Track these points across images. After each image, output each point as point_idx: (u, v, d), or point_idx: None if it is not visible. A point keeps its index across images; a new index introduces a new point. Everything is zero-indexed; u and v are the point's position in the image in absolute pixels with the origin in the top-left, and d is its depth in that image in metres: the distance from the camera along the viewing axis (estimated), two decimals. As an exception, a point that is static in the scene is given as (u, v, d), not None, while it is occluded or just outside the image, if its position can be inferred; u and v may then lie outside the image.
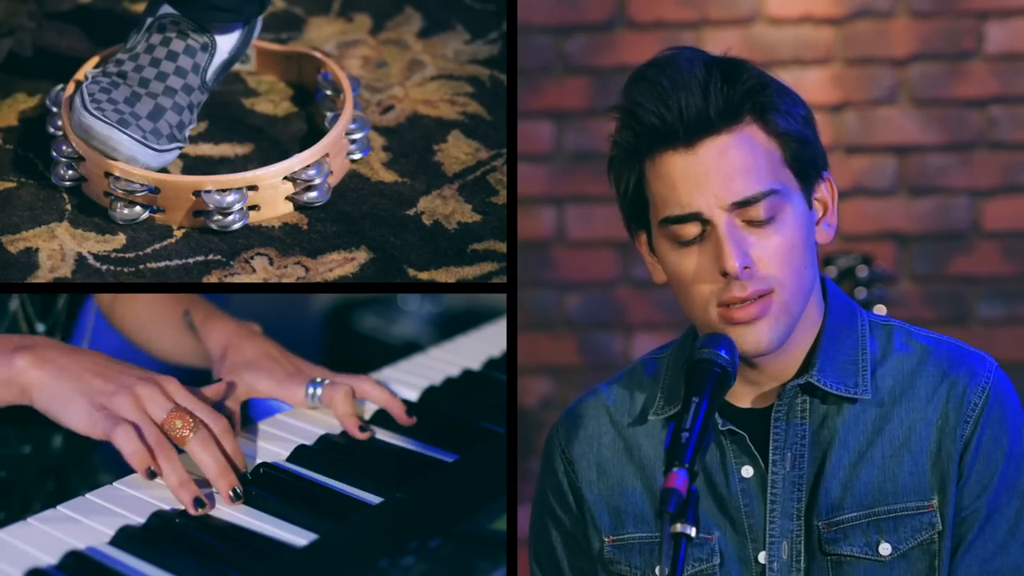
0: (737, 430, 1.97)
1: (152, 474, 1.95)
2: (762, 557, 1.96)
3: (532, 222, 4.04)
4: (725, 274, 1.89)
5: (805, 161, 1.94)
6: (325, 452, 2.17)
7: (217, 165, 2.56)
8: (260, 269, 2.39)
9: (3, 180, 2.51)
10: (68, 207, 2.46)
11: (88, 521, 1.92)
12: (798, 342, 1.98)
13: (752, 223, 1.90)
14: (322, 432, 2.24)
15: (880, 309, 3.44)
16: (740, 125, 1.91)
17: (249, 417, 2.33)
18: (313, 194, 2.47)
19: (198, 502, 1.95)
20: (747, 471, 1.98)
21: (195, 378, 2.22)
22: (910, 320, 3.92)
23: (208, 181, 2.41)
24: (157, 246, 2.41)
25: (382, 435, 2.27)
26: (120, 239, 2.41)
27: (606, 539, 2.04)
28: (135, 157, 2.39)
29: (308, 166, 2.46)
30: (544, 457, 2.12)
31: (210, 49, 2.49)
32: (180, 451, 2.00)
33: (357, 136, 2.57)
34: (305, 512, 1.96)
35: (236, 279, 2.38)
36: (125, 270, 2.37)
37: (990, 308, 3.97)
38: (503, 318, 2.77)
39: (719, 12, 4.01)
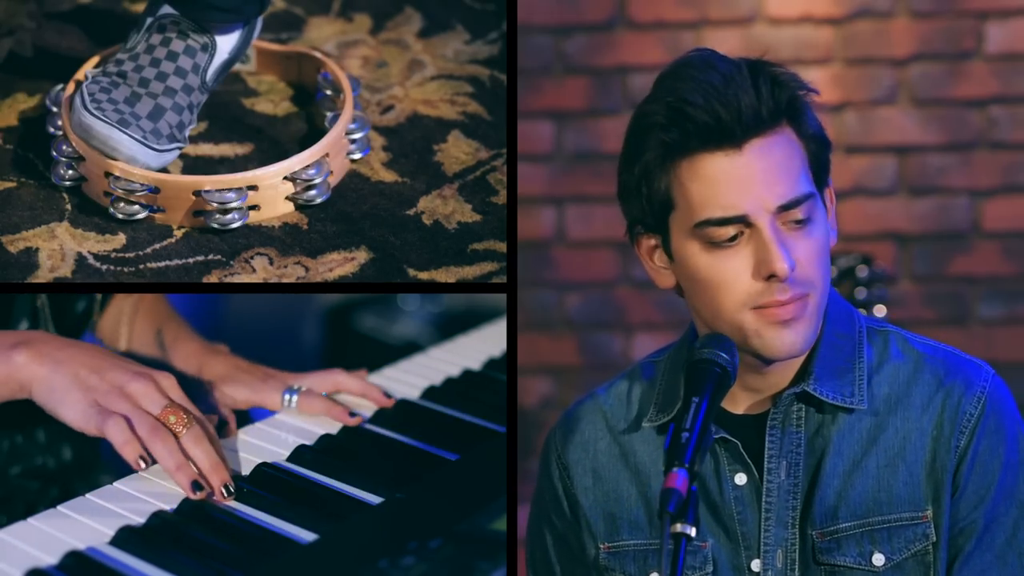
0: (730, 438, 1.96)
1: (144, 462, 1.95)
2: (755, 565, 1.95)
3: (532, 222, 4.04)
4: (770, 277, 1.87)
5: (823, 163, 1.94)
6: (325, 452, 2.17)
7: (217, 165, 2.56)
8: (260, 269, 2.39)
9: (3, 180, 2.51)
10: (68, 207, 2.46)
11: (88, 521, 1.92)
12: None
13: (791, 225, 1.89)
14: (322, 432, 2.24)
15: (880, 309, 3.43)
16: (779, 127, 1.89)
17: (249, 417, 2.34)
18: (313, 193, 2.47)
19: (196, 485, 1.95)
20: (740, 479, 1.97)
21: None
22: (910, 320, 3.93)
23: (208, 181, 2.41)
24: (157, 246, 2.41)
25: (382, 436, 2.27)
26: (120, 239, 2.41)
27: (601, 546, 2.03)
28: (135, 157, 2.39)
29: (308, 166, 2.46)
30: (541, 462, 2.12)
31: (210, 49, 2.49)
32: None
33: (357, 136, 2.57)
34: (305, 512, 1.96)
35: (236, 279, 2.38)
36: (125, 270, 2.37)
37: (990, 308, 3.97)
38: (503, 318, 2.77)
39: (719, 12, 4.00)
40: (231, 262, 2.40)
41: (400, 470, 2.11)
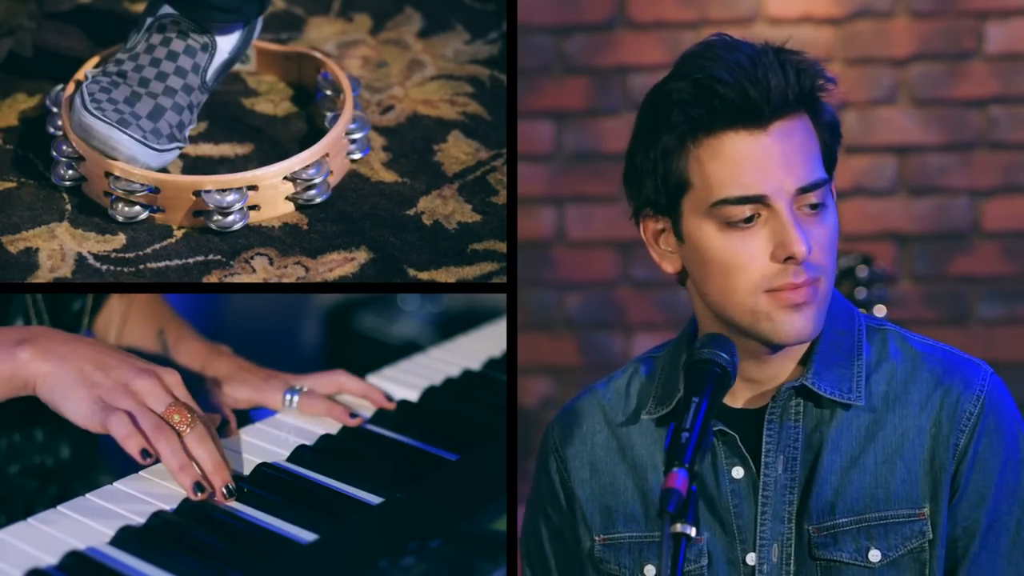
0: (728, 431, 1.97)
1: (146, 455, 1.94)
2: (750, 559, 1.96)
3: (532, 222, 4.04)
4: (788, 259, 1.87)
5: (834, 154, 1.95)
6: (325, 452, 2.17)
7: (217, 165, 2.56)
8: (260, 269, 2.39)
9: (3, 180, 2.51)
10: (68, 207, 2.46)
11: (88, 521, 1.92)
12: (799, 345, 1.97)
13: (806, 209, 1.90)
14: (322, 432, 2.24)
15: (880, 309, 3.43)
16: (800, 112, 1.90)
17: (249, 417, 2.34)
18: (313, 192, 2.47)
19: (198, 486, 1.95)
20: (737, 472, 1.97)
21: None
22: (910, 320, 3.93)
23: (208, 181, 2.41)
24: (157, 246, 2.41)
25: (382, 436, 2.27)
26: (120, 239, 2.41)
27: (596, 538, 2.03)
28: (135, 157, 2.39)
29: (308, 166, 2.46)
30: (539, 455, 2.12)
31: (210, 49, 2.49)
32: None
33: (357, 136, 2.57)
34: (305, 512, 1.96)
35: (236, 279, 2.38)
36: (125, 270, 2.37)
37: (990, 308, 3.97)
38: (503, 318, 2.77)
39: (719, 12, 4.01)
40: (231, 262, 2.40)
41: (400, 470, 2.11)
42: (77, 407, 1.97)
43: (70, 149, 2.45)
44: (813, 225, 1.90)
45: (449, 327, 3.82)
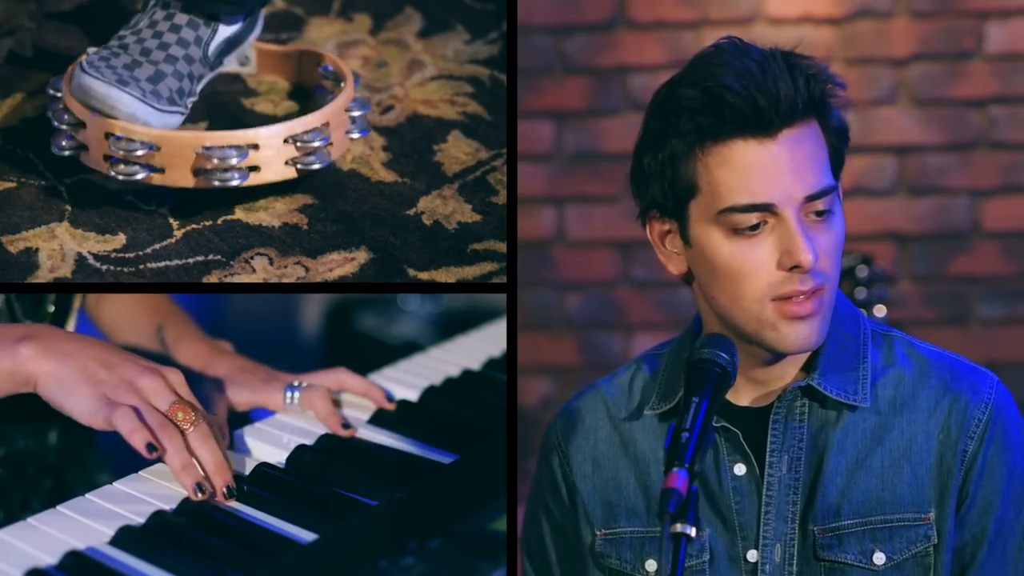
0: (731, 427, 1.97)
1: (152, 448, 1.94)
2: (751, 556, 1.96)
3: (532, 222, 4.04)
4: (794, 268, 1.88)
5: (842, 157, 1.96)
6: (325, 452, 2.17)
7: (217, 165, 2.56)
8: (260, 269, 2.39)
9: (3, 180, 2.51)
10: (68, 207, 2.46)
11: (88, 521, 1.92)
12: None
13: (814, 217, 1.90)
14: (322, 432, 2.24)
15: (880, 309, 3.43)
16: (809, 119, 1.90)
17: (249, 417, 2.34)
18: (312, 158, 2.46)
19: (200, 487, 1.95)
20: (739, 469, 1.97)
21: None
22: (910, 320, 3.93)
23: (208, 137, 2.40)
24: (157, 246, 2.41)
25: (382, 436, 2.27)
26: (120, 239, 2.41)
27: (598, 532, 2.04)
28: (135, 114, 2.38)
29: (309, 130, 2.45)
30: (541, 450, 2.12)
31: (213, 26, 2.49)
32: None
33: (356, 114, 2.55)
34: (305, 512, 1.95)
35: (236, 279, 2.38)
36: (125, 270, 2.37)
37: (990, 308, 3.97)
38: (503, 318, 2.77)
39: (719, 12, 4.01)
40: (231, 262, 2.40)
41: (400, 470, 2.11)
42: (80, 404, 1.97)
43: (70, 117, 2.43)
44: (820, 232, 1.90)
45: (449, 327, 3.82)
